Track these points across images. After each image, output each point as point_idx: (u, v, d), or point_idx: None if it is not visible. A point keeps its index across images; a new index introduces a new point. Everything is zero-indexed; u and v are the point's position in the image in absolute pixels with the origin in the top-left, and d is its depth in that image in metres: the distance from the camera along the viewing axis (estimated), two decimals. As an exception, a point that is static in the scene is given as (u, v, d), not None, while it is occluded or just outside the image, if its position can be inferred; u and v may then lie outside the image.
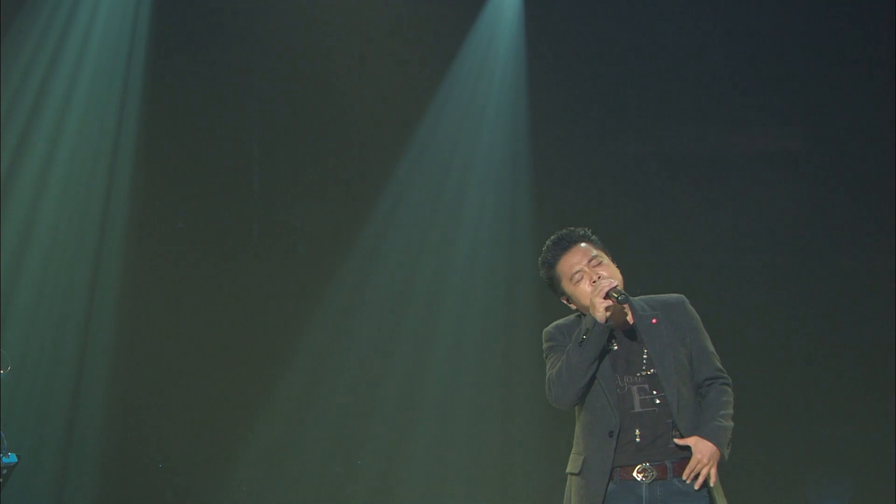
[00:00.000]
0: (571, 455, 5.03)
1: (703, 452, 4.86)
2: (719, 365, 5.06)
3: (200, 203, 10.24)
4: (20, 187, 9.70)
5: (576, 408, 5.01)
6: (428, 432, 10.25)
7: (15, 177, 9.69)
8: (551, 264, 5.08)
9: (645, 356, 4.96)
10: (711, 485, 4.89)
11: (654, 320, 5.01)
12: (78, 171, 9.84)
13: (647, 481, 4.88)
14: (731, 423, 4.95)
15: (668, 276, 9.31)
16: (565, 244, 5.08)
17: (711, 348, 5.07)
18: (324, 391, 10.29)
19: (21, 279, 9.68)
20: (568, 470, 5.02)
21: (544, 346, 5.10)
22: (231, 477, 10.12)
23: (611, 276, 4.97)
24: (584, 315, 5.00)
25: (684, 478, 4.87)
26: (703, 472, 4.87)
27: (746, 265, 10.23)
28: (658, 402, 4.91)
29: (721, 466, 4.92)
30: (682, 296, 5.14)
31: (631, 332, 5.01)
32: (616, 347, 4.98)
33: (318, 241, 10.38)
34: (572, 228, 5.14)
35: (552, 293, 5.15)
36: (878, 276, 9.95)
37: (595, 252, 5.05)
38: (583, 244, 5.07)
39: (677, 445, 4.89)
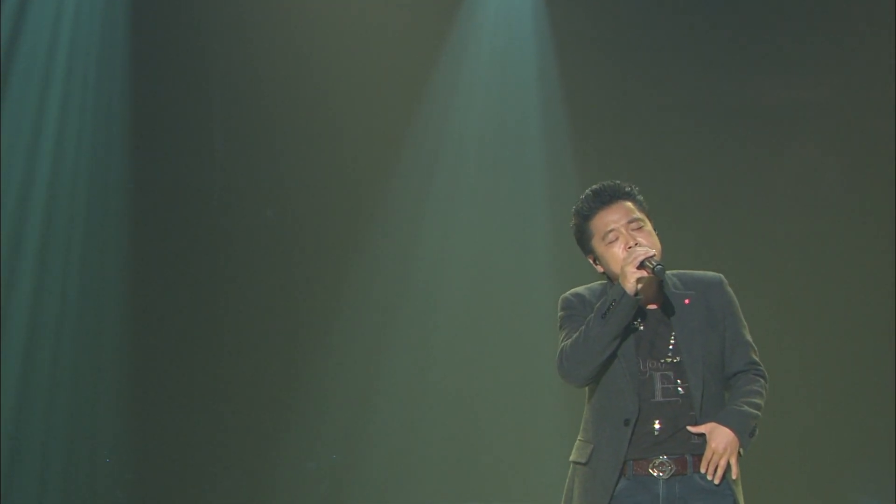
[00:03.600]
0: (577, 443, 4.53)
1: (717, 441, 4.36)
2: (755, 357, 4.54)
3: (158, 163, 9.78)
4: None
5: (587, 389, 4.53)
6: (441, 425, 9.67)
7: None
8: (586, 217, 4.55)
9: (672, 341, 4.46)
10: (733, 477, 4.40)
11: (686, 300, 4.50)
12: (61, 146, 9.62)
13: (665, 477, 4.39)
14: (756, 412, 4.43)
15: (697, 239, 8.87)
16: (606, 198, 4.53)
17: (748, 337, 4.55)
18: (308, 375, 9.70)
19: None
20: (572, 459, 4.52)
21: (559, 313, 4.58)
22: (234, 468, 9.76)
23: (649, 244, 4.45)
24: (609, 281, 4.51)
25: (701, 470, 4.38)
26: (721, 463, 4.37)
27: (781, 232, 9.65)
28: (681, 391, 4.41)
29: (746, 461, 4.44)
30: (721, 275, 4.61)
31: (659, 312, 4.50)
32: (642, 328, 4.47)
33: (292, 206, 9.82)
34: (618, 182, 4.59)
35: (578, 247, 4.63)
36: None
37: (638, 214, 4.52)
38: (626, 202, 4.53)
39: (696, 435, 4.40)
